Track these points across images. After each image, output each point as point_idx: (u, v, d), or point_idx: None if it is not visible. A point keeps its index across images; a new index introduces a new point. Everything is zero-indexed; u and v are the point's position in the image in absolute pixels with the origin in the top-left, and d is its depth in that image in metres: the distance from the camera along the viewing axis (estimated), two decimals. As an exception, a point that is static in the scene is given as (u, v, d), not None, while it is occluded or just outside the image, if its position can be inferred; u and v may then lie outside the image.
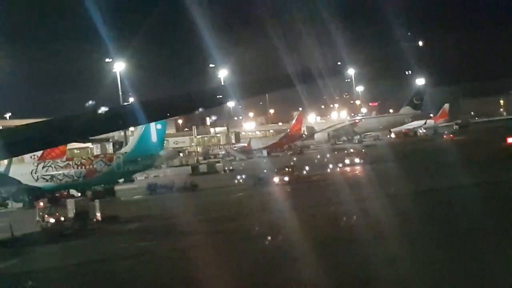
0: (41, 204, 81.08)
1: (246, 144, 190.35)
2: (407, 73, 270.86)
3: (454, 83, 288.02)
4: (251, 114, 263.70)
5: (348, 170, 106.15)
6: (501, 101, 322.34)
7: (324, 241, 46.12)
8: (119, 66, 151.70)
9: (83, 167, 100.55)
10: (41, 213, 70.88)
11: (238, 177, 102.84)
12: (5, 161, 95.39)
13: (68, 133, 26.88)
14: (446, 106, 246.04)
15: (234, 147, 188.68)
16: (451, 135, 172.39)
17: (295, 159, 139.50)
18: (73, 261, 49.86)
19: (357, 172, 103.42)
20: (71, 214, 73.69)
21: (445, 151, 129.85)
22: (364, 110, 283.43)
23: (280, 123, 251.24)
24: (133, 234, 61.75)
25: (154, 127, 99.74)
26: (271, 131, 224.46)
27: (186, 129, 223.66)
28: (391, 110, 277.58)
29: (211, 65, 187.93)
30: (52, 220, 66.65)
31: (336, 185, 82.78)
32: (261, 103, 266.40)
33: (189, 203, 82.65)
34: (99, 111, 25.05)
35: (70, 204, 75.06)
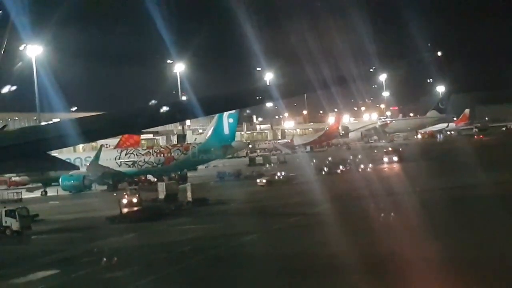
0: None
1: (289, 140, 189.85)
2: (428, 81, 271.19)
3: (470, 90, 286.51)
4: (286, 115, 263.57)
5: (394, 165, 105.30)
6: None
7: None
8: (179, 67, 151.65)
9: (162, 155, 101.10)
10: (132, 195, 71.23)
11: (299, 167, 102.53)
12: (97, 148, 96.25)
13: (124, 125, 27.82)
14: (467, 111, 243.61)
15: (279, 142, 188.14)
16: (481, 136, 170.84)
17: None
18: (191, 235, 49.34)
19: (405, 165, 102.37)
20: (161, 196, 73.91)
21: (484, 148, 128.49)
22: (388, 113, 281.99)
23: (311, 123, 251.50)
24: (229, 214, 61.31)
25: (226, 121, 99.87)
26: (310, 129, 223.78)
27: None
28: (411, 114, 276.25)
29: (258, 69, 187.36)
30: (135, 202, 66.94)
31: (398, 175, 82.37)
32: (295, 104, 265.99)
33: (262, 189, 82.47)
34: (156, 106, 25.72)
35: (161, 187, 75.28)
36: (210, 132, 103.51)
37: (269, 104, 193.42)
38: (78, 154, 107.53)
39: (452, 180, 72.66)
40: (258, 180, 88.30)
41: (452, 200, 56.16)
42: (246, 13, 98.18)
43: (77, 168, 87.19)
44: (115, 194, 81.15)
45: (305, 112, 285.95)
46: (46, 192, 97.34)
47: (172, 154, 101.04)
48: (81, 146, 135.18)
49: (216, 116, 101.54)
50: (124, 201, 67.25)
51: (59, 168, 78.14)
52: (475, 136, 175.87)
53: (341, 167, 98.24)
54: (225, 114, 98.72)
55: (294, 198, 68.44)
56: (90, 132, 26.48)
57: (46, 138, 27.25)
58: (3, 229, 55.06)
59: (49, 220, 65.59)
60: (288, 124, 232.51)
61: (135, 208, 65.55)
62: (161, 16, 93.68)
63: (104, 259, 42.14)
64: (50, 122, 74.83)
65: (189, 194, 69.99)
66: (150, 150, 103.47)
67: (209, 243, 45.30)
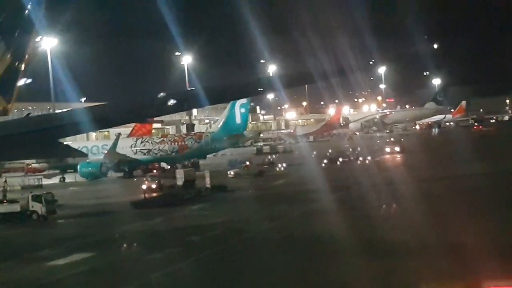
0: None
1: (292, 130, 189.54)
2: (424, 73, 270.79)
3: (465, 83, 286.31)
4: (286, 106, 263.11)
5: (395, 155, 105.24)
6: (507, 100, 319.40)
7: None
8: (186, 59, 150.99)
9: (176, 143, 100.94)
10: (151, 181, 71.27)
11: (306, 155, 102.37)
12: (114, 137, 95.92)
13: (131, 114, 28.10)
14: (463, 103, 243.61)
15: (281, 132, 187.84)
16: (481, 126, 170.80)
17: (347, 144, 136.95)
18: (217, 220, 48.89)
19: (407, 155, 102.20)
20: (179, 182, 73.56)
21: (486, 139, 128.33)
22: (384, 105, 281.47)
23: (312, 114, 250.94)
24: (248, 200, 60.98)
25: (238, 110, 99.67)
26: (311, 120, 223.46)
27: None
28: (407, 106, 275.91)
29: (261, 61, 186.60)
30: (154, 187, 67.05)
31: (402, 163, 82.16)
32: (295, 96, 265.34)
33: (276, 176, 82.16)
34: (164, 95, 25.78)
35: (180, 174, 74.94)
36: (222, 122, 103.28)
37: (271, 96, 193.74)
38: (95, 142, 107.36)
39: (469, 168, 71.51)
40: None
41: (474, 188, 55.76)
42: (249, 8, 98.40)
43: (85, 155, 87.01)
44: (135, 180, 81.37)
45: (304, 103, 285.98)
46: (64, 179, 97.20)
47: (186, 143, 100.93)
48: (93, 134, 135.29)
49: (228, 106, 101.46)
50: (147, 187, 67.45)
51: (69, 156, 78.20)
52: (474, 127, 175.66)
53: (351, 156, 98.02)
54: (237, 104, 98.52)
55: (310, 184, 67.71)
56: (99, 120, 26.65)
57: (58, 126, 27.44)
58: (29, 213, 55.02)
59: (73, 205, 65.44)
60: (290, 115, 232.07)
61: (158, 194, 65.67)
62: (169, 10, 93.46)
63: (138, 242, 42.03)
64: (62, 111, 74.46)
65: (207, 181, 69.78)
66: (165, 139, 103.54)
67: (239, 227, 45.08)
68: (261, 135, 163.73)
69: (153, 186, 69.09)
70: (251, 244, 39.01)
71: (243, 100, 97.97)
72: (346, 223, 42.36)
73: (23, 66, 56.83)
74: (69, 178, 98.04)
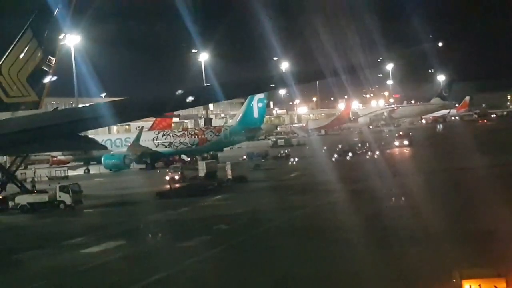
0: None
1: (304, 124, 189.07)
2: (430, 70, 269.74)
3: (469, 79, 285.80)
4: (297, 101, 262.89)
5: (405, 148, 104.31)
6: (508, 96, 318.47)
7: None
8: (203, 56, 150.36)
9: (196, 136, 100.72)
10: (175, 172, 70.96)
11: (321, 148, 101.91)
12: (135, 130, 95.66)
13: (151, 108, 28.08)
14: (467, 98, 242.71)
15: (294, 126, 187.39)
16: (485, 120, 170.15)
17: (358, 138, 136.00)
18: (242, 209, 48.27)
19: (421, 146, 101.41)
20: (201, 173, 73.10)
21: (494, 131, 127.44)
22: (391, 100, 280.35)
23: (322, 109, 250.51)
24: (269, 191, 60.25)
25: (256, 105, 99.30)
26: (322, 114, 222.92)
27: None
28: (412, 101, 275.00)
29: (274, 58, 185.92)
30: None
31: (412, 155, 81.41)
32: (305, 92, 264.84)
33: (293, 168, 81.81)
34: (180, 92, 25.55)
35: (201, 166, 74.42)
36: (240, 116, 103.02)
37: (283, 91, 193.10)
38: (118, 135, 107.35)
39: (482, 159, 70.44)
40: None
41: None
42: (263, 8, 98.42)
43: (105, 148, 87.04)
44: (157, 172, 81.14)
45: (314, 99, 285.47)
46: (89, 170, 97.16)
47: (206, 136, 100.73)
48: (115, 128, 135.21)
49: (246, 100, 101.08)
50: (171, 178, 67.12)
51: (92, 148, 78.38)
52: (479, 121, 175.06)
53: (366, 149, 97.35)
54: (255, 98, 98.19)
55: (328, 175, 66.59)
56: (120, 114, 26.43)
57: (80, 119, 27.28)
58: (57, 203, 54.89)
59: (101, 195, 65.15)
60: (301, 109, 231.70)
61: (182, 184, 65.33)
62: (186, 10, 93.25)
63: (168, 230, 41.58)
64: (84, 105, 74.23)
65: (229, 172, 69.26)
66: (185, 132, 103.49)
67: (264, 216, 44.31)
68: (278, 128, 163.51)
69: (176, 177, 68.82)
70: (280, 232, 38.22)
71: (261, 95, 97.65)
72: (374, 212, 41.99)
73: (53, 61, 56.81)
74: (94, 169, 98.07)
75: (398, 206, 44.42)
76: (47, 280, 30.03)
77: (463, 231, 33.55)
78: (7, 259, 35.69)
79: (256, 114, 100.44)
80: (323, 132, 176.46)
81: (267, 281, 26.89)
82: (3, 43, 56.61)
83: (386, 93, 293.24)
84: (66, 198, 54.79)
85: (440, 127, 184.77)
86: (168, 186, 64.31)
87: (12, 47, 55.24)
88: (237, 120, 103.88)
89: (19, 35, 55.18)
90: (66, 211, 53.91)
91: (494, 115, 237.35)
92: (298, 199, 52.12)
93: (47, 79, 56.76)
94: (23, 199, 55.88)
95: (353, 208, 43.42)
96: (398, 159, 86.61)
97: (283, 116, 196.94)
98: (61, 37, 55.49)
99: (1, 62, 55.28)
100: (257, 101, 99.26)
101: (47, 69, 56.28)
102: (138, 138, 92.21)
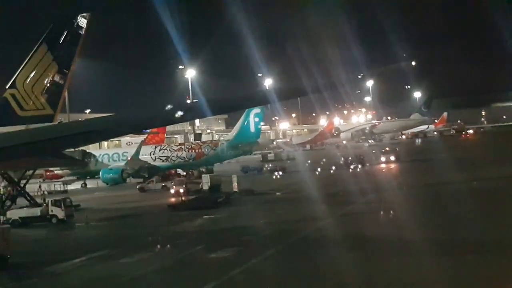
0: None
1: (288, 140, 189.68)
2: (406, 87, 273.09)
3: (446, 96, 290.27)
4: (277, 118, 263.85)
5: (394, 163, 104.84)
6: (483, 112, 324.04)
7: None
8: (190, 73, 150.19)
9: (193, 150, 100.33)
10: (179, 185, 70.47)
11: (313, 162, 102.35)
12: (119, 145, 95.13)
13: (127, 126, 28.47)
14: (445, 114, 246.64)
15: (278, 141, 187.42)
16: (468, 135, 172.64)
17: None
18: (261, 221, 47.74)
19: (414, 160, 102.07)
20: (205, 187, 72.95)
21: (479, 146, 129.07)
22: (369, 116, 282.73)
23: (304, 125, 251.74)
24: (280, 202, 60.46)
25: (253, 119, 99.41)
26: (305, 130, 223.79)
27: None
28: (389, 117, 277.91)
29: (259, 75, 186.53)
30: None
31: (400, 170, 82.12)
32: (285, 108, 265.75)
33: (293, 181, 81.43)
34: (169, 107, 26.01)
35: (206, 179, 74.37)
36: (237, 130, 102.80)
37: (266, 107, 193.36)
38: (115, 149, 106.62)
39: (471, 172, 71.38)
40: None
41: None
42: (246, 27, 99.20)
43: (85, 165, 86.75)
44: (163, 185, 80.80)
45: (294, 115, 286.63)
46: (85, 184, 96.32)
47: (203, 150, 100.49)
48: (105, 143, 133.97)
49: (243, 115, 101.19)
50: (175, 191, 66.66)
51: (68, 165, 78.03)
52: (463, 135, 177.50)
53: (357, 162, 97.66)
54: (252, 113, 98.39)
55: (330, 188, 66.79)
56: (100, 132, 26.55)
57: (60, 137, 27.10)
58: (49, 217, 54.86)
59: (110, 208, 64.58)
60: (283, 125, 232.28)
61: (191, 197, 64.94)
62: (172, 27, 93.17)
63: (195, 241, 41.20)
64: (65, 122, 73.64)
65: (235, 185, 69.15)
66: (182, 146, 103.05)
67: (287, 227, 44.13)
68: (274, 142, 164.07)
69: (181, 190, 68.38)
70: (312, 242, 38.10)
71: (257, 110, 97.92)
72: (393, 222, 42.20)
73: (68, 75, 56.42)
74: (90, 183, 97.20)
75: (407, 218, 44.13)
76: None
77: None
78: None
79: (253, 128, 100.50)
80: (308, 147, 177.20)
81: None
82: (19, 56, 56.14)
83: (363, 110, 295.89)
84: (59, 213, 54.62)
85: (419, 141, 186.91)
86: (176, 199, 63.84)
87: (27, 60, 54.89)
88: (234, 134, 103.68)
89: (34, 49, 54.83)
90: (57, 225, 53.89)
91: (471, 131, 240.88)
92: (315, 209, 51.18)
93: (62, 93, 56.33)
94: (14, 214, 55.43)
95: (380, 218, 43.74)
96: (395, 172, 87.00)
97: (268, 131, 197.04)
98: (76, 50, 55.10)
99: (16, 75, 54.82)
100: (253, 116, 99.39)
101: (62, 83, 55.87)
102: (137, 152, 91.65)
